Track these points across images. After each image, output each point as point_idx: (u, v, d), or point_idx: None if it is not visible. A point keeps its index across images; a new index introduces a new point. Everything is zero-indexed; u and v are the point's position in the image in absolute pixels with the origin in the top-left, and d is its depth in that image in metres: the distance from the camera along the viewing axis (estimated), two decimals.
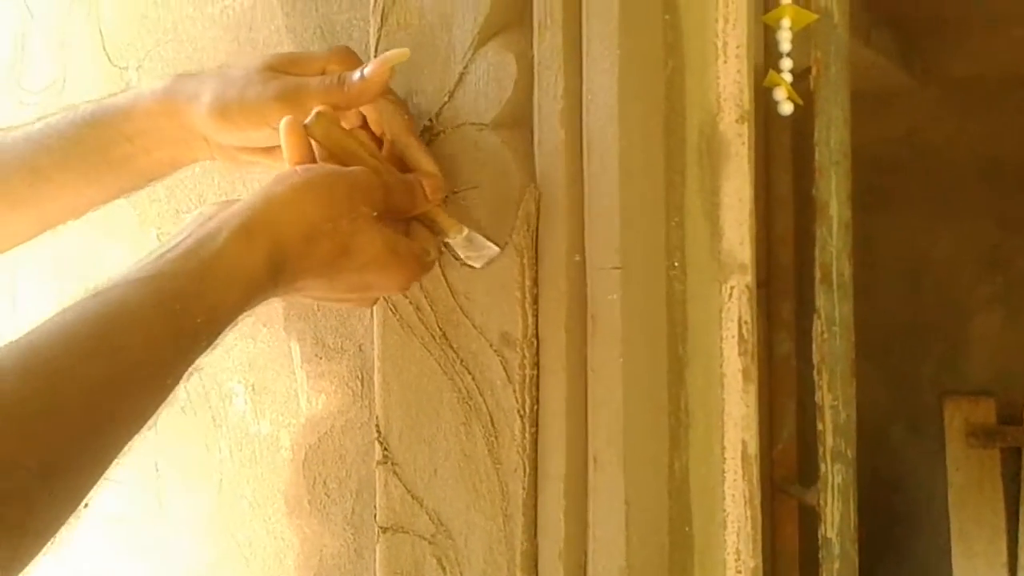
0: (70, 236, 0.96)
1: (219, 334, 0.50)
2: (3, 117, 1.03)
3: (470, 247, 0.62)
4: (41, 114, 0.96)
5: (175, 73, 0.65)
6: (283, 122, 0.57)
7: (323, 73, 0.61)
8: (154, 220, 0.88)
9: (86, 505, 0.44)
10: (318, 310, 0.76)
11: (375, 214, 0.55)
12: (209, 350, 0.50)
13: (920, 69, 2.16)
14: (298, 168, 0.56)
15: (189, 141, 0.64)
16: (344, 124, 0.61)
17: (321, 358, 0.77)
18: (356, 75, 0.58)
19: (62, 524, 0.42)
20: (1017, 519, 2.09)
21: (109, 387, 0.44)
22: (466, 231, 0.62)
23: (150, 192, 0.89)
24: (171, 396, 0.49)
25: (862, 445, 0.70)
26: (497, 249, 0.62)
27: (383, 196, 0.56)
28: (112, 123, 0.64)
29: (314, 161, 0.58)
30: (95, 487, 0.44)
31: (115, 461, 0.45)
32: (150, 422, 0.47)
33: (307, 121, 0.56)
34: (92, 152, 0.64)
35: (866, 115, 0.69)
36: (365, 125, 0.64)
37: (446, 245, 0.64)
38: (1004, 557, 2.02)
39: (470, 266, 0.63)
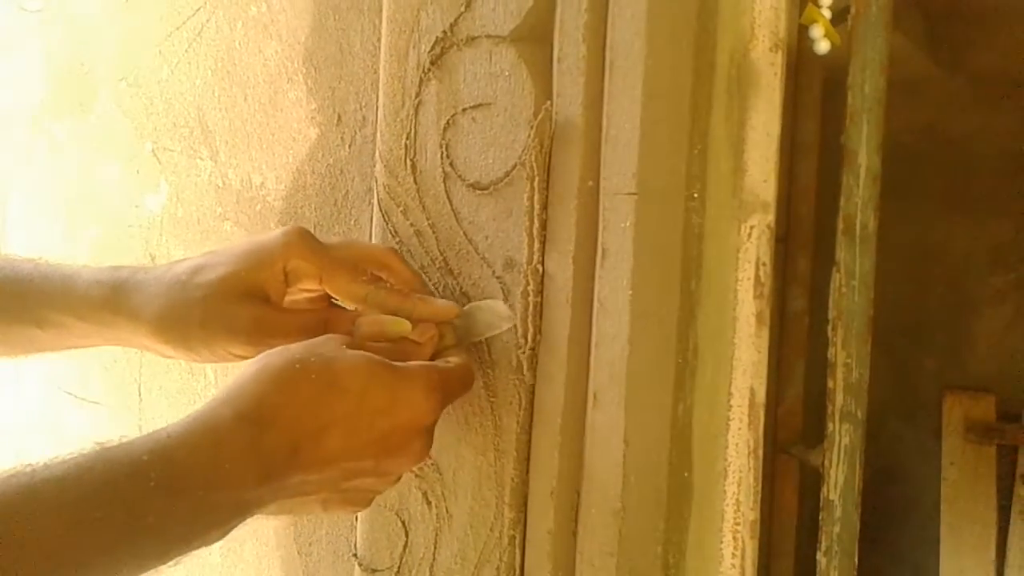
0: (65, 149, 0.93)
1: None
2: (3, 26, 1.00)
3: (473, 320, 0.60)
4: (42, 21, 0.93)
5: (116, 270, 0.58)
6: None
7: (284, 271, 0.56)
8: (150, 133, 0.85)
9: None
10: (315, 231, 0.73)
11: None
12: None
13: (947, 59, 2.11)
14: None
15: (118, 343, 0.59)
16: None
17: None
18: (344, 327, 0.55)
19: None
20: (1009, 517, 2.07)
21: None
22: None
23: (147, 104, 0.85)
24: None
25: None
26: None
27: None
28: (28, 302, 0.58)
29: None
30: None
31: None
32: None
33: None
34: None
35: (887, 102, 0.65)
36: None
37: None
38: (993, 554, 2.01)
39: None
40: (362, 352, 0.51)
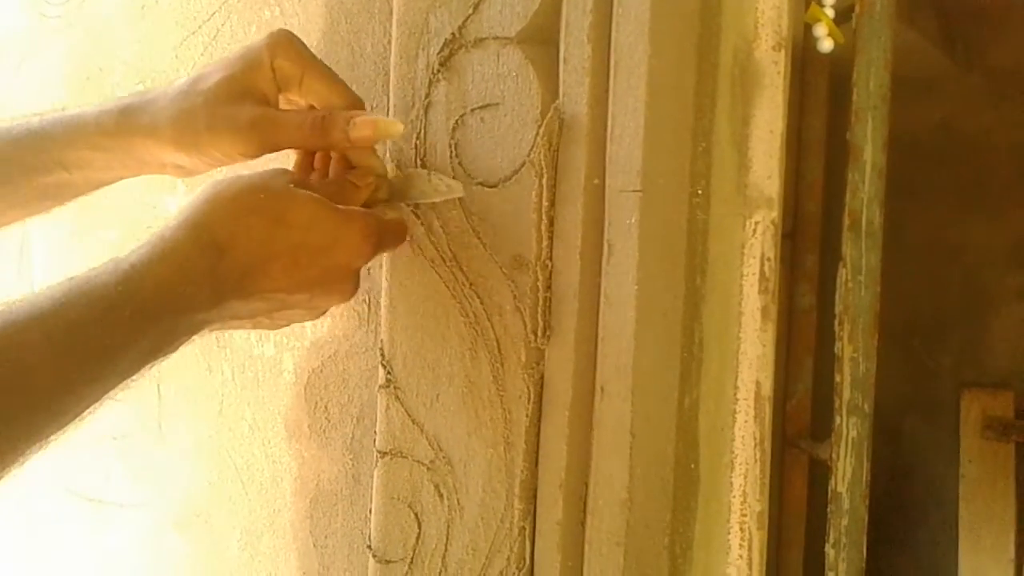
0: None
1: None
2: (25, 30, 1.02)
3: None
4: (63, 27, 0.95)
5: (119, 100, 0.61)
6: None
7: (272, 70, 0.59)
8: None
9: None
10: None
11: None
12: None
13: (962, 55, 2.10)
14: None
15: (139, 167, 0.62)
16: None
17: None
18: (340, 124, 0.57)
19: None
20: None
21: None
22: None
23: None
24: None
25: (874, 432, 0.67)
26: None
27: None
28: (48, 149, 0.61)
29: None
30: None
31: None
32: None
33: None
34: (20, 176, 0.61)
35: (902, 100, 0.66)
36: None
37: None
38: (1012, 553, 2.00)
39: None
40: (308, 192, 0.55)
